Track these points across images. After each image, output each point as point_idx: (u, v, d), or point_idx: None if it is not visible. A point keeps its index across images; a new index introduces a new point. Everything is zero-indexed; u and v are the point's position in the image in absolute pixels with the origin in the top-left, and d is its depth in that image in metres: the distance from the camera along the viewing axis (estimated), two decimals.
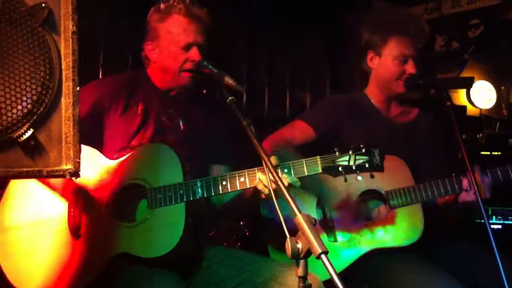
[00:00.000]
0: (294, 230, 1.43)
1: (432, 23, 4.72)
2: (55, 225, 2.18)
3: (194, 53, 2.35)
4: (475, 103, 5.11)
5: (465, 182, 2.40)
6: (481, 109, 5.12)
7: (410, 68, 2.62)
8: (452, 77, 4.58)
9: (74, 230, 2.15)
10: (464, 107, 4.87)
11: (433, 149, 2.78)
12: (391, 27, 2.66)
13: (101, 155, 2.28)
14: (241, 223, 3.58)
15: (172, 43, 2.36)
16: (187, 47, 2.35)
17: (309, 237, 1.35)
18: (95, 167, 2.23)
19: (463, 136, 3.75)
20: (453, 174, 2.92)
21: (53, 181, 2.18)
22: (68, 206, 2.18)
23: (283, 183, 1.53)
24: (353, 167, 2.06)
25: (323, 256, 1.31)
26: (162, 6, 2.40)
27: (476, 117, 4.97)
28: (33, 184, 2.20)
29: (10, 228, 2.18)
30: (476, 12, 4.47)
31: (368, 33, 2.73)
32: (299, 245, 1.39)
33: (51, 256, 2.14)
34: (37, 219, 2.18)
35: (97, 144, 2.34)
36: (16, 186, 2.22)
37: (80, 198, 2.18)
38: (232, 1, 4.17)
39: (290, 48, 4.82)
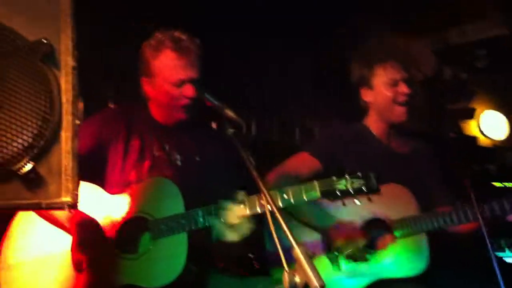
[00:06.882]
0: None
1: (439, 54, 4.75)
2: (58, 261, 2.20)
3: (188, 90, 2.35)
4: (487, 134, 5.07)
5: None
6: (493, 140, 5.08)
7: (402, 88, 2.66)
8: (456, 108, 4.57)
9: (77, 264, 2.16)
10: (474, 138, 4.84)
11: (436, 180, 2.77)
12: (373, 57, 2.72)
13: (103, 191, 2.31)
14: (250, 255, 3.55)
15: (165, 81, 2.38)
16: (180, 84, 2.36)
17: (306, 270, 1.34)
18: (98, 203, 2.25)
19: (473, 167, 3.72)
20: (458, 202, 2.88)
21: (58, 215, 2.20)
22: (72, 241, 2.19)
23: (282, 215, 1.52)
24: (351, 191, 2.08)
25: None
26: (152, 42, 2.42)
27: (487, 147, 4.92)
28: (36, 221, 2.23)
29: (14, 265, 2.20)
30: (483, 42, 4.49)
31: (355, 69, 2.79)
32: (297, 279, 1.38)
33: None
34: (40, 256, 2.20)
35: (100, 178, 2.36)
36: (20, 223, 2.25)
37: (84, 233, 2.18)
38: (239, 36, 4.22)
39: (301, 80, 4.86)
